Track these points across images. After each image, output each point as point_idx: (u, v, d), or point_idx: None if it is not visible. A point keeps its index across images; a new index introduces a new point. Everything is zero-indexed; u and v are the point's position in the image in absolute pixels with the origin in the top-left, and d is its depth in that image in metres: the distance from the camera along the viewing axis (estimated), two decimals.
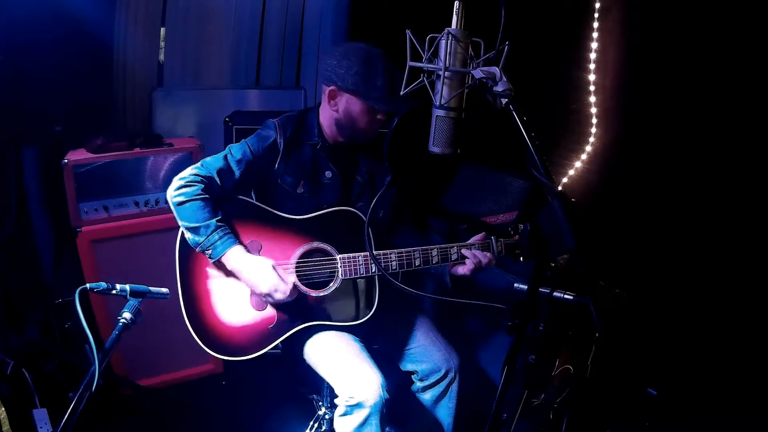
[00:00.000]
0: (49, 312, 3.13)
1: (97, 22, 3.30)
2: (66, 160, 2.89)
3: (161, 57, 3.69)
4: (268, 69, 4.01)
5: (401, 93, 1.66)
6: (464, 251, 2.38)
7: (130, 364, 3.18)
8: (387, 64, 2.30)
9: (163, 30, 3.65)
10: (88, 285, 1.78)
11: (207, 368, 3.36)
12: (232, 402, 3.32)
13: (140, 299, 1.87)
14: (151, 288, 1.92)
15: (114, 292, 1.84)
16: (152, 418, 3.14)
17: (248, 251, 2.31)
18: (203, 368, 3.36)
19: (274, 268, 2.28)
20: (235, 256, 2.26)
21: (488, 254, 2.39)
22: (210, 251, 2.25)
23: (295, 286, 2.31)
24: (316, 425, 2.74)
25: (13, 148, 3.10)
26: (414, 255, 2.35)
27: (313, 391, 2.78)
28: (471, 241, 2.43)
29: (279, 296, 2.26)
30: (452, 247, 2.39)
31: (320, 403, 2.73)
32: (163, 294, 1.96)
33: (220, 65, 3.87)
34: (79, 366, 2.93)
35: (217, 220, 2.25)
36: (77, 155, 2.94)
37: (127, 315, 1.82)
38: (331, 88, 2.35)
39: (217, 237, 2.24)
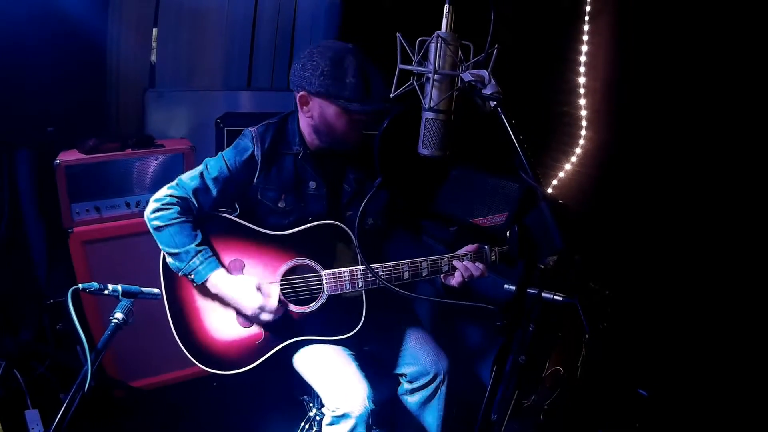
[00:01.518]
0: (41, 313, 3.13)
1: (90, 23, 3.29)
2: (58, 161, 2.89)
3: (153, 58, 3.69)
4: (260, 71, 4.01)
5: (391, 95, 1.66)
6: (455, 263, 2.30)
7: (122, 365, 3.18)
8: (357, 60, 2.14)
9: (155, 31, 3.64)
10: (80, 285, 1.79)
11: (198, 370, 3.32)
12: (224, 403, 3.31)
13: (132, 300, 1.88)
14: (142, 288, 1.93)
15: (106, 292, 1.84)
16: (144, 419, 3.14)
17: (230, 272, 2.26)
18: (194, 369, 3.30)
19: (258, 288, 2.22)
20: (218, 279, 2.21)
21: (480, 266, 2.31)
22: (192, 276, 2.20)
23: (281, 302, 2.27)
24: (306, 426, 2.75)
25: (5, 149, 3.09)
26: (402, 269, 2.29)
27: (304, 392, 2.79)
28: (464, 251, 2.35)
29: (265, 316, 2.23)
30: (443, 258, 2.31)
31: (311, 405, 2.73)
32: (154, 294, 1.97)
33: (212, 66, 3.87)
34: (71, 367, 2.93)
35: (196, 245, 2.19)
36: (69, 156, 2.94)
37: (119, 315, 1.83)
38: (301, 93, 2.22)
39: (198, 262, 2.18)
